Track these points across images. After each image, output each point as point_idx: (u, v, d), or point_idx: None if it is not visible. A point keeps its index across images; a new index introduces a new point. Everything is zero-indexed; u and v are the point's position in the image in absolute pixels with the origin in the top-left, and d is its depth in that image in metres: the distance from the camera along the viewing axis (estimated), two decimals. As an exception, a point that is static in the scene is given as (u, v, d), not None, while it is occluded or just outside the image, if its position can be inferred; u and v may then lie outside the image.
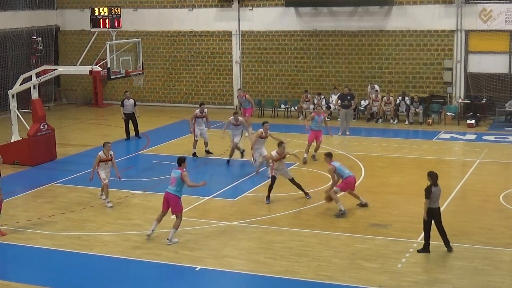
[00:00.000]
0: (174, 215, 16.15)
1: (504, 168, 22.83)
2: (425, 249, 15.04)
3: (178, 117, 31.83)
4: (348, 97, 28.20)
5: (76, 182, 21.44)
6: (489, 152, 24.51)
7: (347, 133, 27.70)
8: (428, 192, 15.04)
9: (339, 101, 28.43)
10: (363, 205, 18.47)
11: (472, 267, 14.30)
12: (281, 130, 27.67)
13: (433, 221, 15.06)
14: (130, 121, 27.22)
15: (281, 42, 33.24)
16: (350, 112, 28.39)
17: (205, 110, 24.70)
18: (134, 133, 27.44)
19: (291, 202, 18.92)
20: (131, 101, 27.17)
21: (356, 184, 20.44)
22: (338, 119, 30.55)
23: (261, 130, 21.35)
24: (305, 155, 23.20)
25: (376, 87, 30.89)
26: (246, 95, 28.25)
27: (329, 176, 18.49)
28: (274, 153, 19.08)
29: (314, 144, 23.62)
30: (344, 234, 16.31)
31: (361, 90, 31.68)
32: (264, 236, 16.37)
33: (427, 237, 15.03)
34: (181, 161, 16.17)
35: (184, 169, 16.01)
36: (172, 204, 15.97)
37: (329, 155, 18.44)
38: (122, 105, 27.11)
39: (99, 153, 18.91)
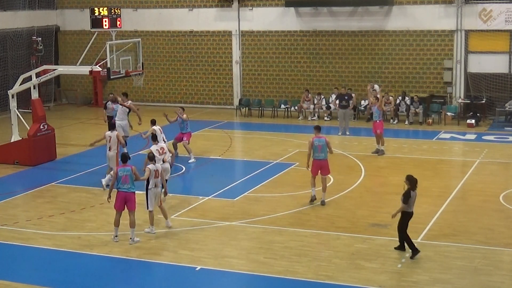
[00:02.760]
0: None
1: (504, 168, 22.83)
2: (401, 246, 15.10)
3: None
4: (346, 97, 28.19)
5: (76, 182, 21.43)
6: (489, 152, 24.51)
7: (347, 133, 27.70)
8: (406, 197, 14.97)
9: (337, 101, 28.44)
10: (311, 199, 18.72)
11: (472, 267, 14.30)
12: (281, 130, 27.71)
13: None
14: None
15: (281, 42, 33.24)
16: (349, 112, 28.38)
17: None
18: None
19: (291, 202, 18.91)
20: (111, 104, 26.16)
21: (356, 184, 20.51)
22: (338, 119, 30.61)
23: None
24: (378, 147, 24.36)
25: (376, 86, 30.86)
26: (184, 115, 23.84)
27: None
28: None
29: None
30: (344, 234, 16.31)
31: (361, 90, 31.67)
32: (264, 236, 16.37)
33: (407, 238, 14.96)
34: (127, 158, 16.31)
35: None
36: (128, 201, 16.04)
37: (317, 128, 18.98)
38: (105, 107, 26.29)
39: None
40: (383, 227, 16.78)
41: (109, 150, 20.30)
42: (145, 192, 16.59)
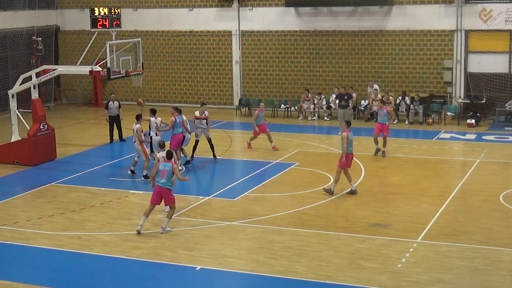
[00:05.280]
0: (168, 206, 16.85)
1: (504, 168, 22.83)
2: None
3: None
4: (345, 97, 28.14)
5: (76, 182, 21.43)
6: (489, 152, 24.51)
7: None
8: None
9: (337, 101, 28.42)
10: (353, 192, 19.15)
11: (472, 267, 14.30)
12: (281, 130, 27.70)
13: None
14: (115, 124, 26.53)
15: (281, 42, 33.25)
16: (348, 112, 28.34)
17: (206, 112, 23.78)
18: (118, 137, 26.72)
19: (291, 202, 18.91)
20: (116, 103, 26.49)
21: (356, 184, 20.51)
22: (338, 119, 30.60)
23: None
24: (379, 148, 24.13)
25: (375, 86, 30.90)
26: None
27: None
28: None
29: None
30: (344, 234, 16.31)
31: (361, 90, 31.68)
32: (264, 236, 16.37)
33: None
34: (171, 154, 16.83)
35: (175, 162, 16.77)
36: (166, 196, 16.45)
37: (348, 123, 19.82)
38: (107, 107, 26.44)
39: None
40: (383, 227, 16.78)
41: (134, 142, 21.35)
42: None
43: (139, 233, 16.42)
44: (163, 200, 16.68)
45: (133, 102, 32.65)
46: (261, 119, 24.80)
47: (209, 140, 23.40)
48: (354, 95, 29.80)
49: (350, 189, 19.49)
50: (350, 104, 28.19)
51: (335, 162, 23.09)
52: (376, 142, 24.05)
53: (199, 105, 23.10)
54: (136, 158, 21.57)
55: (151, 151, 21.55)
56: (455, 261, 14.64)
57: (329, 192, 19.24)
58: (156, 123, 22.01)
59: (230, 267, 14.55)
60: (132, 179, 21.37)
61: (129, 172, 21.73)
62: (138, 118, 21.37)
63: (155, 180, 16.52)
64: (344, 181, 20.78)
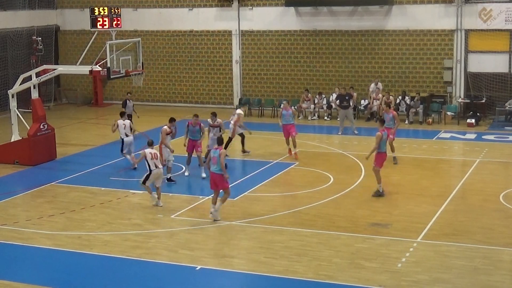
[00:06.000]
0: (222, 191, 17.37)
1: (504, 167, 22.83)
2: None
3: (178, 117, 31.66)
4: (347, 98, 28.16)
5: (76, 181, 21.44)
6: (489, 151, 24.51)
7: (355, 132, 27.63)
8: None
9: (337, 102, 28.40)
10: (380, 195, 19.09)
11: (472, 266, 14.30)
12: (281, 130, 27.64)
13: None
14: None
15: (281, 42, 33.24)
16: (350, 111, 28.34)
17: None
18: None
19: (291, 202, 18.91)
20: (131, 102, 27.14)
21: (356, 183, 20.53)
22: (338, 119, 30.59)
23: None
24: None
25: (380, 84, 30.93)
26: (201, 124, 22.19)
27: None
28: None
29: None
30: (344, 234, 16.31)
31: (361, 90, 31.68)
32: (264, 235, 16.36)
33: None
34: (221, 141, 17.74)
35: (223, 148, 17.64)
36: (219, 181, 17.10)
37: (382, 121, 20.03)
38: (124, 105, 26.96)
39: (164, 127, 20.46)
40: (383, 226, 16.78)
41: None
42: (148, 173, 18.31)
43: (215, 220, 17.15)
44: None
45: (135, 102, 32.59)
46: (287, 119, 23.81)
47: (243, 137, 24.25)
48: (354, 94, 29.82)
49: (377, 190, 19.35)
50: (351, 104, 28.19)
51: (335, 162, 23.19)
52: (392, 149, 23.20)
53: (211, 115, 22.32)
54: (168, 164, 20.89)
55: (121, 151, 22.69)
56: (455, 260, 14.64)
57: (379, 194, 19.10)
58: (124, 124, 22.82)
59: (230, 267, 14.55)
60: (132, 179, 21.30)
61: (166, 180, 20.73)
62: (170, 120, 21.23)
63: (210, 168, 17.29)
64: (345, 181, 20.80)
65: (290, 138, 23.77)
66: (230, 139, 23.84)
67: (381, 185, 19.20)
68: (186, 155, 21.66)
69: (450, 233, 16.26)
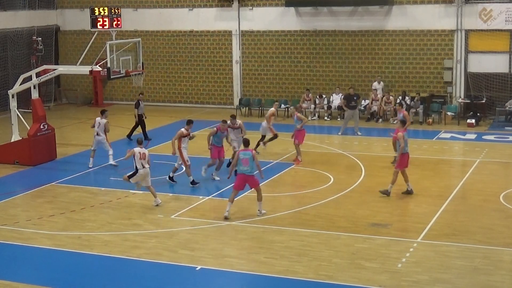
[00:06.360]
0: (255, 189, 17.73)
1: (504, 167, 22.83)
2: None
3: (178, 117, 31.81)
4: (355, 98, 28.25)
5: (76, 182, 21.44)
6: (489, 151, 24.51)
7: (358, 133, 27.57)
8: None
9: (345, 102, 28.36)
10: (409, 192, 19.17)
11: (472, 266, 14.30)
12: (281, 130, 27.60)
13: None
14: (141, 123, 27.30)
15: (281, 42, 33.24)
16: (357, 112, 28.34)
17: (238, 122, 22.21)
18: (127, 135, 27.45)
19: (291, 202, 18.92)
20: (143, 103, 27.46)
21: (357, 183, 20.54)
22: (338, 119, 30.61)
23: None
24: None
25: (382, 83, 30.95)
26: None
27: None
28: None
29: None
30: (345, 234, 16.31)
31: (361, 90, 31.68)
32: (264, 236, 16.36)
33: None
34: (248, 142, 17.97)
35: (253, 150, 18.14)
36: (252, 182, 17.55)
37: (403, 122, 19.79)
38: (137, 106, 27.12)
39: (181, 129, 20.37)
40: (384, 226, 16.78)
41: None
42: (134, 170, 18.48)
43: (226, 218, 17.29)
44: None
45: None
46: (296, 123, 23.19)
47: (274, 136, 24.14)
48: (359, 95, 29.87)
49: (406, 189, 19.33)
50: (358, 104, 28.23)
51: (335, 162, 23.19)
52: (395, 149, 22.68)
53: (231, 118, 21.97)
54: (176, 165, 20.91)
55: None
56: (455, 261, 14.64)
57: (386, 193, 19.06)
58: (99, 123, 23.05)
59: (230, 267, 14.55)
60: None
61: (167, 178, 20.92)
62: (189, 123, 20.93)
63: (238, 169, 17.64)
64: (346, 182, 20.81)
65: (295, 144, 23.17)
66: (275, 136, 24.04)
67: (393, 186, 19.12)
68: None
69: (450, 233, 16.26)
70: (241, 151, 17.78)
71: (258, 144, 23.86)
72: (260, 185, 20.29)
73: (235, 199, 17.89)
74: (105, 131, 23.19)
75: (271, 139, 24.22)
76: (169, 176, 20.77)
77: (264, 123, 24.09)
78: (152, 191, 18.73)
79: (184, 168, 20.67)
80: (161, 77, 35.75)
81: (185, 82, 35.40)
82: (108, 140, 23.34)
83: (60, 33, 37.42)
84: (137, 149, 18.53)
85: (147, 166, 18.55)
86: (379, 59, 31.76)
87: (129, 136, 27.34)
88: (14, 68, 33.39)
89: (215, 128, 21.20)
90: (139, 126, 27.39)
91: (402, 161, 19.12)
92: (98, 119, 23.18)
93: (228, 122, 21.56)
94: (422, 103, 30.02)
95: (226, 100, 34.69)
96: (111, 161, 23.04)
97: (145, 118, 27.51)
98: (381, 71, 31.72)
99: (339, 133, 27.71)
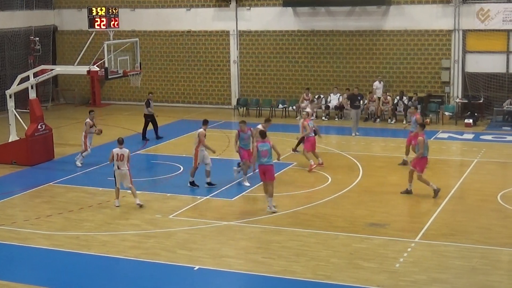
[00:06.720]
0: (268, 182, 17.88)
1: (502, 167, 22.85)
2: None
3: (175, 117, 31.83)
4: (359, 98, 28.28)
5: (74, 182, 21.43)
6: (487, 151, 24.53)
7: (357, 133, 27.57)
8: None
9: (349, 102, 28.34)
10: (408, 192, 19.20)
11: (470, 266, 14.31)
12: (279, 130, 27.68)
13: None
14: (150, 122, 27.38)
15: (279, 42, 33.25)
16: (359, 112, 28.35)
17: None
18: (152, 134, 27.68)
19: (290, 202, 18.91)
20: (152, 102, 27.52)
21: (355, 183, 20.54)
22: (336, 119, 30.63)
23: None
24: (405, 158, 22.45)
25: (382, 83, 30.97)
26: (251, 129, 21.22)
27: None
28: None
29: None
30: (343, 234, 16.31)
31: (353, 89, 31.63)
32: (262, 235, 16.36)
33: None
34: (265, 134, 18.21)
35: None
36: (270, 173, 17.75)
37: (423, 126, 19.81)
38: (148, 105, 27.16)
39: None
40: (381, 226, 16.78)
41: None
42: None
43: (274, 212, 17.70)
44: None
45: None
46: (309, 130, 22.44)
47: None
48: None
49: (406, 189, 19.28)
50: (361, 104, 28.27)
51: (333, 162, 23.16)
52: (407, 152, 22.69)
53: (264, 122, 21.23)
54: (207, 168, 20.36)
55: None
56: (453, 260, 14.65)
57: (437, 192, 18.81)
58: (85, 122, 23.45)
59: (228, 267, 14.55)
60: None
61: (206, 185, 20.42)
62: (205, 123, 20.69)
63: (258, 161, 17.90)
64: (343, 182, 20.81)
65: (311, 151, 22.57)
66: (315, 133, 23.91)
67: (432, 183, 18.96)
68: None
69: (448, 233, 16.27)
70: (259, 143, 17.96)
71: (298, 143, 23.81)
72: (259, 185, 20.39)
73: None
74: (85, 130, 23.31)
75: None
76: (206, 182, 20.41)
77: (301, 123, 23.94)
78: (133, 191, 18.70)
79: (192, 168, 20.33)
80: (159, 77, 35.73)
81: (183, 82, 35.39)
82: (85, 141, 23.29)
83: (57, 33, 37.40)
84: (115, 150, 18.55)
85: (124, 168, 18.47)
86: (377, 59, 31.77)
87: (145, 137, 27.20)
88: (11, 68, 33.37)
89: (237, 131, 21.03)
90: (149, 124, 27.37)
91: (421, 165, 18.94)
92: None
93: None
94: (420, 103, 30.00)
95: (224, 100, 34.68)
96: (77, 161, 23.26)
97: (156, 116, 27.54)
98: (378, 71, 31.74)
99: (356, 134, 27.37)
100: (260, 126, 20.35)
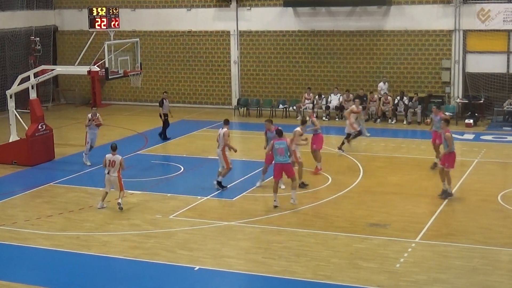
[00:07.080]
0: (290, 179, 18.31)
1: (502, 168, 22.85)
2: None
3: (176, 117, 31.78)
4: (364, 98, 28.30)
5: (75, 182, 21.42)
6: (487, 152, 24.52)
7: (368, 133, 27.42)
8: None
9: (361, 107, 28.23)
10: (449, 195, 18.86)
11: (471, 266, 14.31)
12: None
13: None
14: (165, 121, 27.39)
15: (279, 42, 33.24)
16: (364, 112, 28.36)
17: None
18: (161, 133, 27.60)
19: (289, 202, 18.89)
20: (167, 101, 27.45)
21: (355, 183, 20.54)
22: (336, 119, 30.62)
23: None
24: (436, 160, 21.75)
25: (387, 84, 30.95)
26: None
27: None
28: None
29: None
30: (343, 234, 16.31)
31: (359, 90, 31.67)
32: (262, 236, 16.36)
33: None
34: (281, 132, 18.37)
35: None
36: (288, 170, 18.09)
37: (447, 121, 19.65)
38: (162, 105, 27.15)
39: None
40: (382, 227, 16.78)
41: (217, 147, 20.38)
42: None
43: (276, 207, 18.06)
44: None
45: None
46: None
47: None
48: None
49: (446, 190, 19.03)
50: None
51: (334, 162, 23.15)
52: (437, 152, 21.87)
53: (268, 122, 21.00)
54: (220, 169, 20.20)
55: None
56: (453, 261, 14.65)
57: (448, 195, 18.79)
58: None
59: (229, 267, 14.55)
60: (130, 180, 21.24)
61: (215, 185, 20.19)
62: (226, 122, 20.64)
63: (275, 159, 18.20)
64: (344, 182, 20.80)
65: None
66: (359, 133, 24.40)
67: (451, 185, 18.92)
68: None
69: (448, 233, 16.27)
70: (276, 141, 18.13)
71: (343, 143, 24.00)
72: (259, 185, 20.40)
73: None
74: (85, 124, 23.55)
75: (355, 136, 24.40)
76: (217, 181, 20.22)
77: (348, 121, 24.02)
78: (120, 195, 18.60)
79: (223, 169, 20.07)
80: (159, 77, 35.73)
81: (183, 82, 35.39)
82: (86, 139, 23.54)
83: (58, 33, 37.41)
84: (108, 156, 18.53)
85: (113, 174, 18.42)
86: (377, 59, 31.77)
87: (164, 137, 27.21)
88: (12, 69, 33.38)
89: (264, 132, 20.85)
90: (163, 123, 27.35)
91: (451, 160, 18.83)
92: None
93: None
94: (420, 103, 30.04)
95: (224, 100, 34.69)
96: (87, 162, 23.37)
97: (172, 116, 27.45)
98: (379, 72, 31.73)
99: (368, 135, 27.10)
100: (227, 130, 20.26)
